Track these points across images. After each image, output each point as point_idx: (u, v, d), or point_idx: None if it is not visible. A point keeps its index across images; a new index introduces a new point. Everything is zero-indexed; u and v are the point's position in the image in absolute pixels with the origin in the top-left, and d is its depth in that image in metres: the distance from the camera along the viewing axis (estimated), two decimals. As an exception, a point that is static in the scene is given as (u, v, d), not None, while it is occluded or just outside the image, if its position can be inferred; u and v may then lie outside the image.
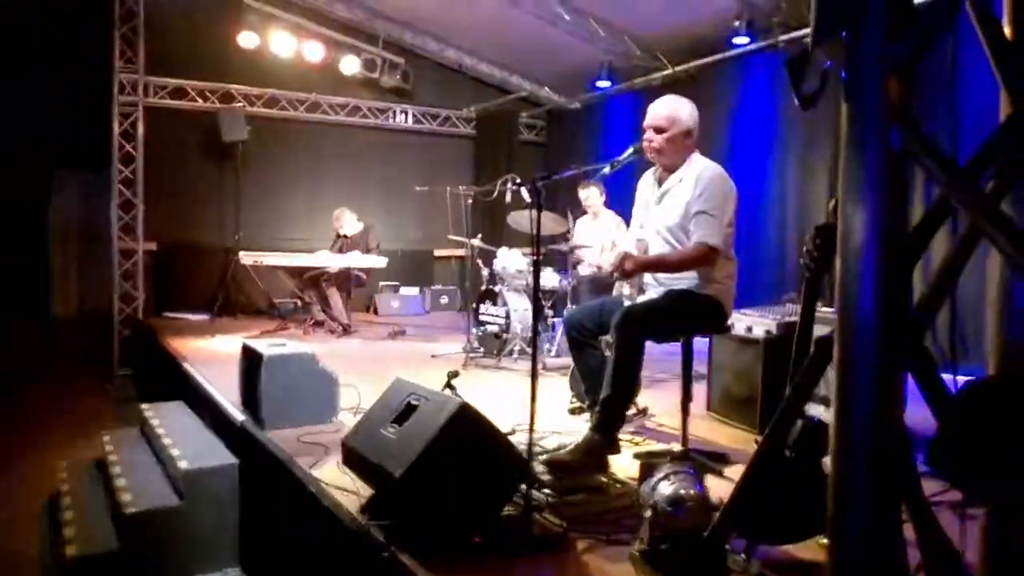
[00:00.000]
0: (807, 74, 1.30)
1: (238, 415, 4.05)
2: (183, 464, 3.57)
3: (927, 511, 1.20)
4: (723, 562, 2.05)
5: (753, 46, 7.11)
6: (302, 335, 7.27)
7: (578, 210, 6.86)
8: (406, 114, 10.28)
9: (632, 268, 3.21)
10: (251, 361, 4.05)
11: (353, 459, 2.86)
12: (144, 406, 4.75)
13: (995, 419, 1.06)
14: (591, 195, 6.67)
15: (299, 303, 8.34)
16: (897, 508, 1.15)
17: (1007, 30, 1.27)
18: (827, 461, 2.10)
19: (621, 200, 5.99)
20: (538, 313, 2.78)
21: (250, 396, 4.03)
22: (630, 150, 3.31)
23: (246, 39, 8.65)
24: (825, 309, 3.17)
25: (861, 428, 1.08)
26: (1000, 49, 1.24)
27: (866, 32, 1.11)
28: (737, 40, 7.04)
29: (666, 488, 2.08)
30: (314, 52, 9.06)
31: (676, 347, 3.55)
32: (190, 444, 3.92)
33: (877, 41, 1.10)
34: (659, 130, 3.27)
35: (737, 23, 6.91)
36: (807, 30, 5.68)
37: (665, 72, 8.32)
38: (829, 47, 1.21)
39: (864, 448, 1.07)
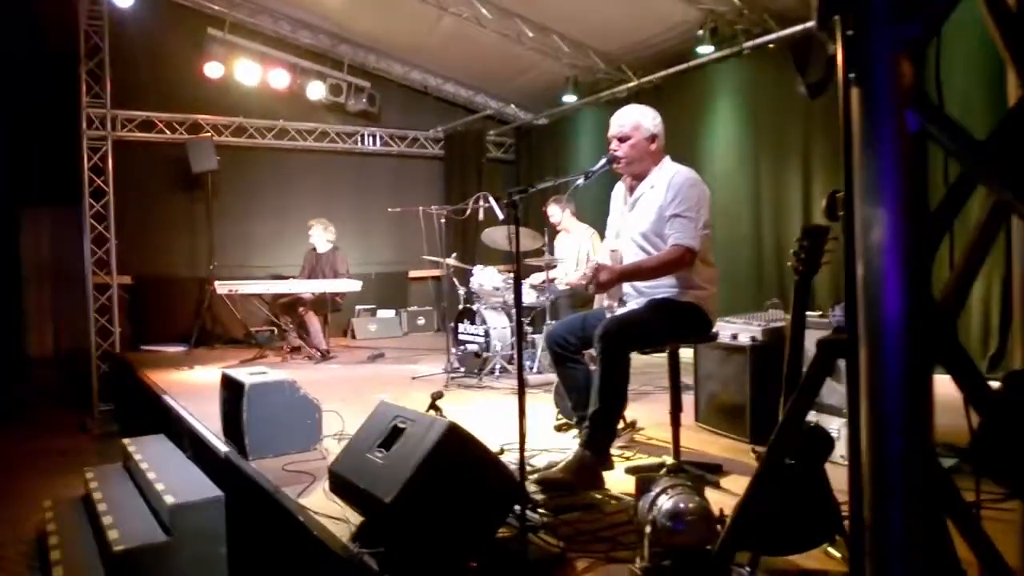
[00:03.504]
0: (812, 60, 1.26)
1: (221, 446, 3.98)
2: (169, 499, 3.50)
3: (968, 512, 1.16)
4: (729, 578, 2.01)
5: (717, 54, 7.18)
6: (280, 362, 7.18)
7: (551, 227, 6.88)
8: (374, 137, 10.26)
9: (607, 279, 3.16)
10: (232, 391, 3.98)
11: (341, 486, 2.80)
12: (126, 441, 4.67)
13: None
14: (553, 214, 6.70)
15: (275, 331, 8.24)
16: (939, 511, 1.11)
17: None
18: (828, 467, 2.11)
19: (596, 212, 6.02)
20: (521, 329, 2.74)
21: (232, 426, 3.95)
22: (603, 160, 3.30)
23: (211, 69, 8.62)
24: (811, 313, 3.16)
25: (894, 433, 1.04)
26: (1007, 27, 1.19)
27: (874, 13, 1.07)
28: (701, 49, 7.11)
29: (665, 502, 2.03)
30: (279, 79, 9.03)
31: (656, 359, 3.50)
32: (175, 478, 3.85)
33: (886, 22, 1.06)
34: (623, 139, 3.29)
35: (700, 32, 6.97)
36: (771, 36, 5.68)
37: (630, 84, 8.40)
38: (834, 30, 1.17)
39: (900, 453, 1.04)
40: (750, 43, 6.93)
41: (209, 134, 8.91)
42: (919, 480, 1.02)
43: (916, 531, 1.03)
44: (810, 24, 5.88)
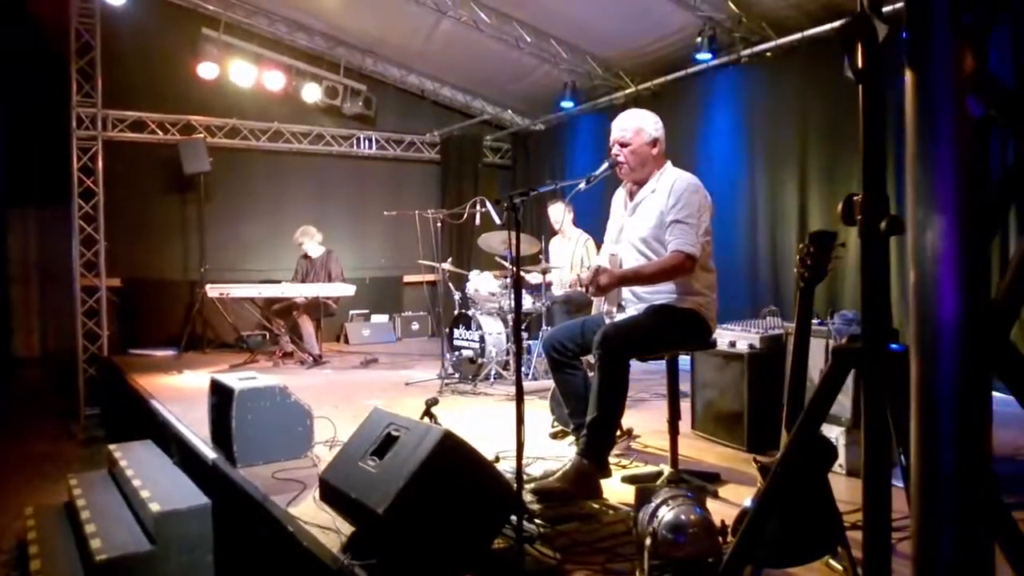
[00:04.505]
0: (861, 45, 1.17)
1: (209, 453, 3.91)
2: (154, 506, 3.43)
3: (1020, 535, 1.09)
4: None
5: (716, 62, 7.17)
6: (272, 367, 7.10)
7: (546, 231, 6.85)
8: (370, 140, 10.21)
9: (607, 283, 3.16)
10: (221, 396, 3.92)
11: (332, 495, 2.76)
12: (112, 447, 4.59)
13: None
14: (556, 212, 6.68)
15: (267, 335, 8.16)
16: (990, 532, 1.03)
17: None
18: (831, 477, 2.06)
19: (592, 217, 5.98)
20: (519, 334, 2.69)
21: (221, 433, 3.89)
22: (606, 165, 3.30)
23: (205, 69, 8.54)
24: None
25: (948, 450, 0.96)
26: None
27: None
28: (700, 56, 7.09)
29: (666, 514, 1.99)
30: (275, 81, 8.97)
31: (652, 366, 3.48)
32: (160, 485, 3.77)
33: (947, 6, 0.99)
34: (624, 144, 3.28)
35: (699, 40, 6.96)
36: (768, 44, 5.62)
37: (628, 91, 8.38)
38: (888, 13, 1.07)
39: (955, 474, 0.96)
40: (748, 51, 6.95)
41: (202, 135, 8.82)
42: (976, 502, 0.94)
43: (970, 559, 0.96)
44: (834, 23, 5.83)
